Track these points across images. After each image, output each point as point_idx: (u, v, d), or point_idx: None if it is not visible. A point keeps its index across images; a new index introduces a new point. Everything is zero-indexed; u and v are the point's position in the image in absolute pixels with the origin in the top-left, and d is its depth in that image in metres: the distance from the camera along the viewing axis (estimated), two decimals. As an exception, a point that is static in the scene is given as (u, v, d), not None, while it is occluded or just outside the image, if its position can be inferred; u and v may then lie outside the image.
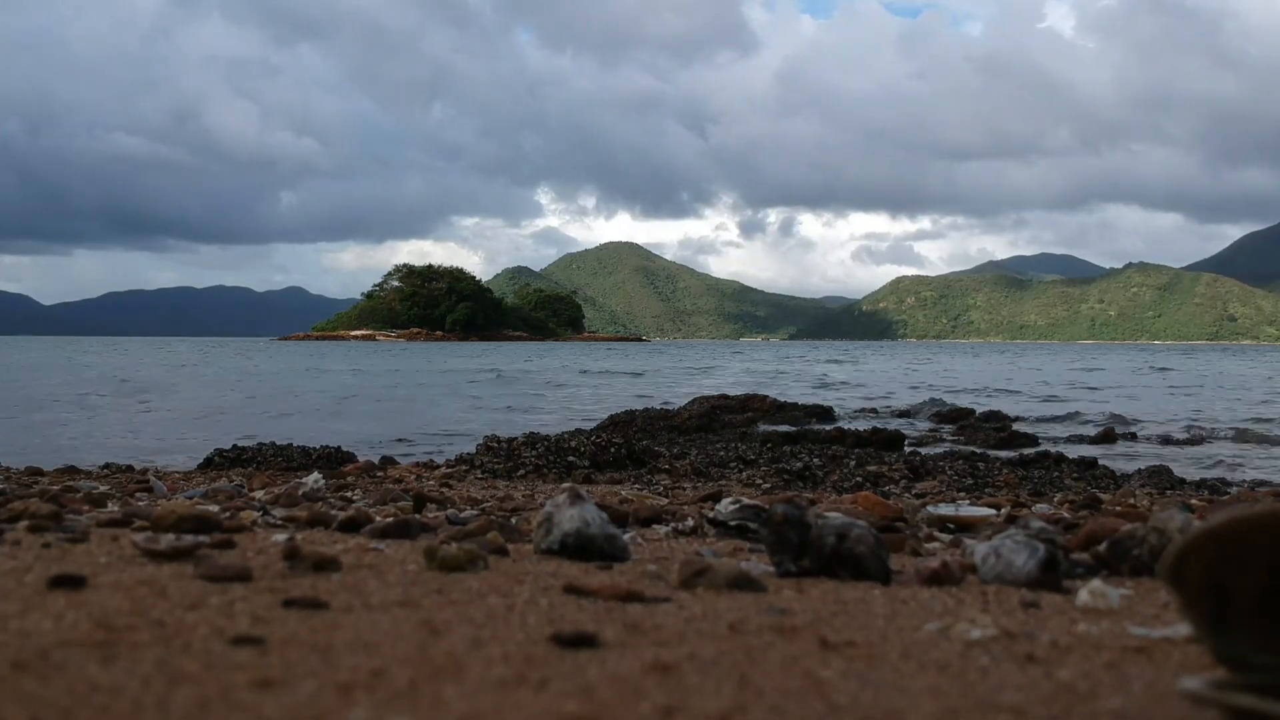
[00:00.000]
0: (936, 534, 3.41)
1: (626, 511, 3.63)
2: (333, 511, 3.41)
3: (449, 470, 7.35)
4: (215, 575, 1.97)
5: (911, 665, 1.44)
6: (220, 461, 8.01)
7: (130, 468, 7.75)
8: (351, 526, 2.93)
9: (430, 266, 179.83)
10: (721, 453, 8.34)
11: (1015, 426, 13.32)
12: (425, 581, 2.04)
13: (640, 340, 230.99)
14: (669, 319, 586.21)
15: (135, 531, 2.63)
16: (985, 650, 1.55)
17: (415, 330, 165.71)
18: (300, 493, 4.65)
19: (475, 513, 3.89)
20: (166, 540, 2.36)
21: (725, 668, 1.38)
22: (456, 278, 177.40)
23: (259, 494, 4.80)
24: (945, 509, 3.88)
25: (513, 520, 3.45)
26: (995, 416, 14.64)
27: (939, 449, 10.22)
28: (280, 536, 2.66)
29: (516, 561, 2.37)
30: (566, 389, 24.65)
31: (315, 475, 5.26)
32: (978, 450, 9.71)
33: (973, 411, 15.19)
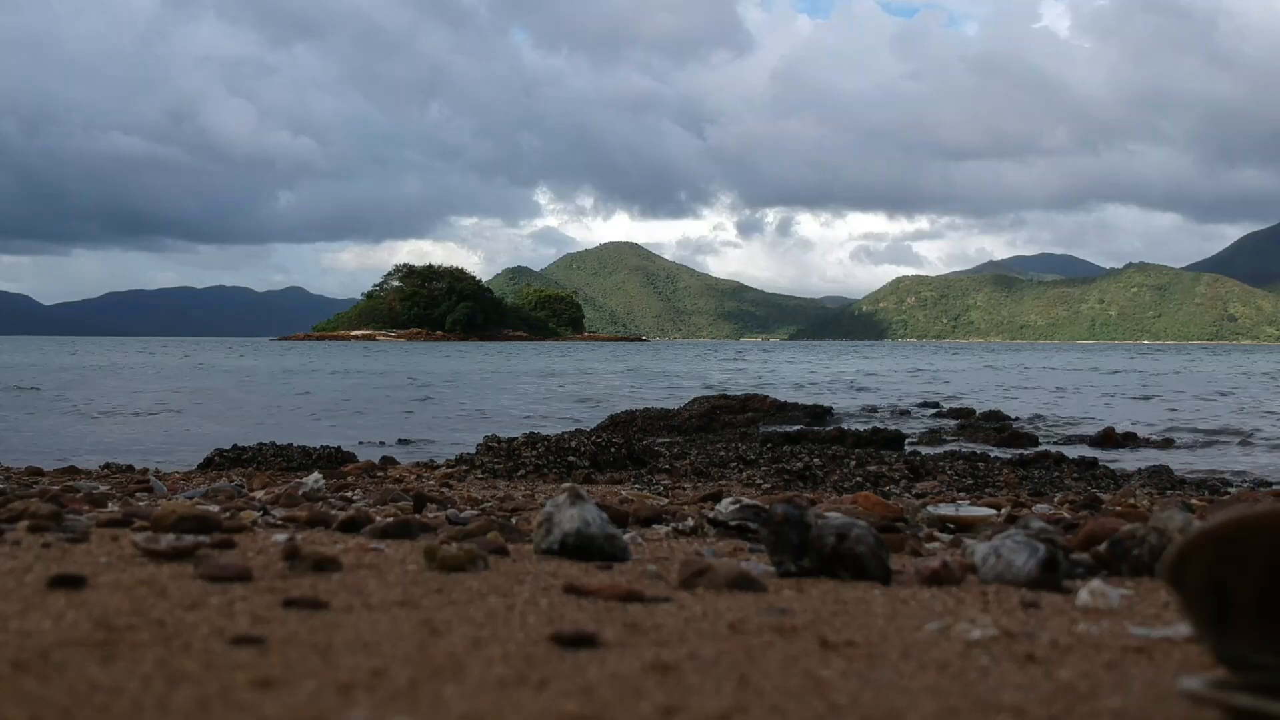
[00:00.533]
0: (937, 534, 3.41)
1: (626, 511, 3.63)
2: (333, 512, 3.41)
3: (449, 470, 7.35)
4: (215, 575, 1.97)
5: (912, 665, 1.44)
6: (220, 462, 8.01)
7: (130, 468, 7.76)
8: (351, 526, 2.93)
9: (430, 266, 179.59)
10: (722, 453, 8.34)
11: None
12: (425, 581, 2.04)
13: (640, 340, 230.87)
14: (669, 319, 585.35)
15: (135, 531, 2.63)
16: (985, 650, 1.55)
17: (415, 330, 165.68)
18: (300, 493, 4.65)
19: (475, 513, 3.89)
20: (167, 540, 2.36)
21: (725, 667, 1.38)
22: (456, 278, 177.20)
23: (259, 494, 4.80)
24: (945, 509, 3.88)
25: (513, 520, 3.46)
26: (995, 416, 14.65)
27: (939, 449, 10.22)
28: (280, 536, 2.66)
29: (517, 561, 2.37)
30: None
31: (315, 475, 5.26)
32: (978, 450, 9.71)
33: (973, 411, 15.20)
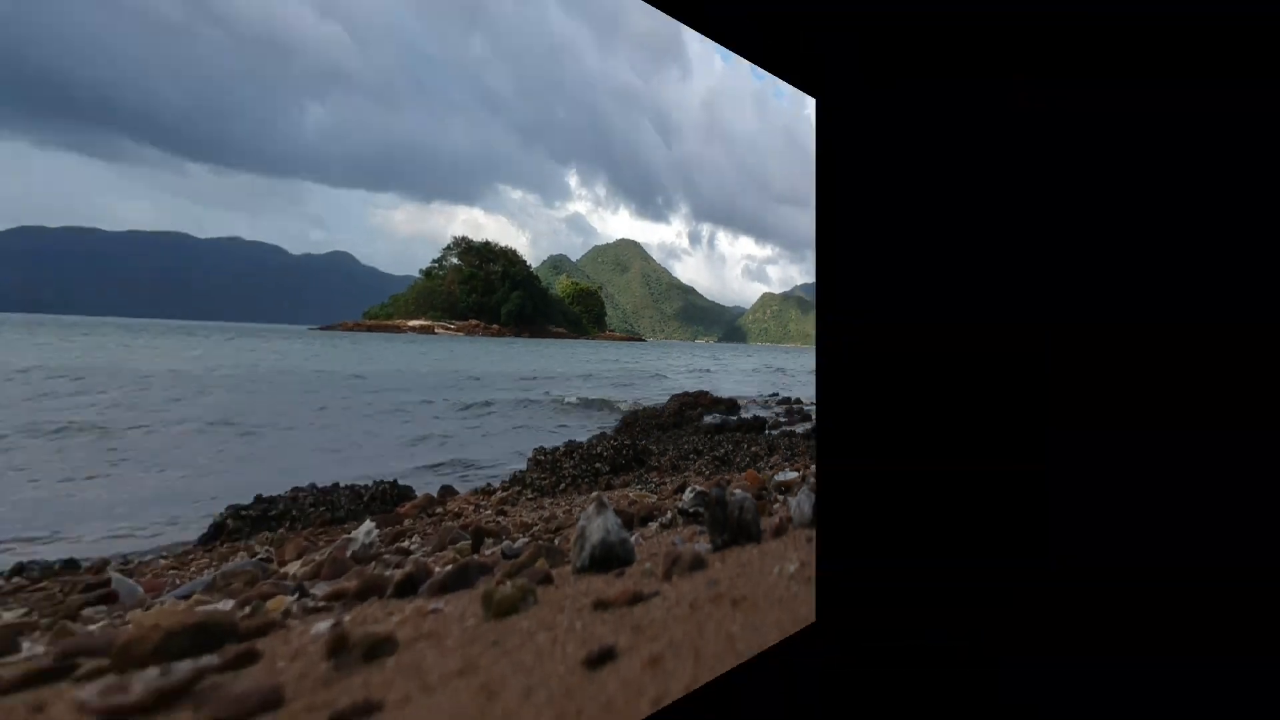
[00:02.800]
0: (778, 495, 3.69)
1: (632, 513, 3.75)
2: (387, 573, 2.86)
3: (504, 494, 6.49)
4: (230, 719, 1.40)
5: (772, 605, 1.77)
6: (236, 526, 5.19)
7: (71, 563, 4.11)
8: (409, 587, 2.48)
9: (487, 244, 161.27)
10: (686, 446, 8.67)
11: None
12: (483, 636, 1.96)
13: (642, 340, 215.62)
14: (657, 321, 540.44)
15: (80, 683, 1.66)
16: (795, 579, 1.92)
17: (474, 323, 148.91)
18: (348, 554, 3.61)
19: (526, 540, 3.67)
20: (143, 682, 1.51)
21: (687, 647, 1.61)
22: (510, 260, 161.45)
23: (293, 567, 3.56)
24: (781, 476, 4.31)
25: (555, 541, 3.44)
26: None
27: (778, 430, 11.39)
28: (323, 625, 2.08)
29: (559, 587, 2.36)
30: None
31: (367, 526, 3.98)
32: (799, 430, 10.84)
33: (801, 400, 16.77)
